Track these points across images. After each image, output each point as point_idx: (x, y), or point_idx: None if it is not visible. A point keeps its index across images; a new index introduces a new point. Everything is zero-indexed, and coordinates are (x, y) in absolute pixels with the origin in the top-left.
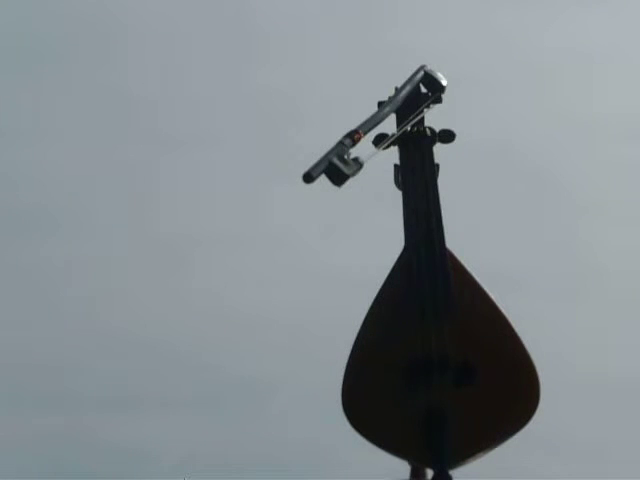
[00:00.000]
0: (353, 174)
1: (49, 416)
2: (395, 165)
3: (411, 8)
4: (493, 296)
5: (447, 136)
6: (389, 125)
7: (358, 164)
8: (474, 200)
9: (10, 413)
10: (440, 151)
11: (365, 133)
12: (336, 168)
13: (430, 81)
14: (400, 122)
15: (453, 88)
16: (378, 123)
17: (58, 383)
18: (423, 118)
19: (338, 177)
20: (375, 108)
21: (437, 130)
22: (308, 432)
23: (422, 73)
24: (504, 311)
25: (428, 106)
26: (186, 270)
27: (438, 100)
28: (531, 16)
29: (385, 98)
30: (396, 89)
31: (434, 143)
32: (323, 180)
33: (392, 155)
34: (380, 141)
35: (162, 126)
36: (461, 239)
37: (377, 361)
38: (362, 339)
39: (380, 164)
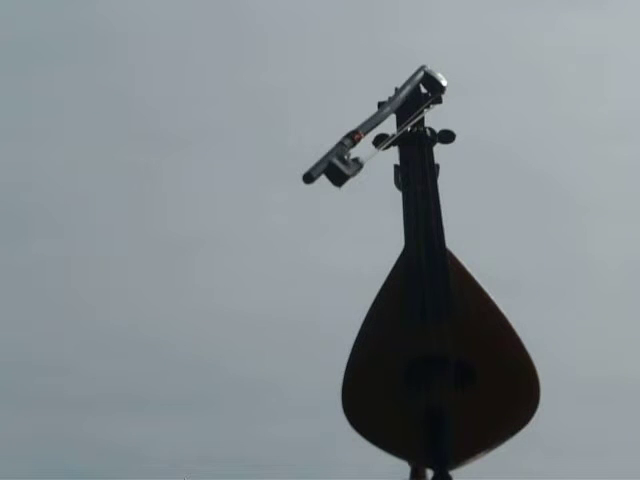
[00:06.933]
0: (353, 174)
1: (49, 416)
2: (395, 165)
3: (411, 8)
4: (493, 296)
5: (447, 136)
6: (389, 125)
7: (358, 164)
8: (474, 200)
9: (9, 413)
10: (440, 151)
11: (365, 133)
12: (336, 168)
13: (430, 81)
14: (400, 122)
15: (453, 88)
16: (378, 123)
17: (58, 383)
18: (423, 118)
19: (338, 177)
20: (375, 108)
21: (437, 130)
22: (308, 432)
23: (422, 73)
24: (504, 311)
25: (428, 106)
26: (186, 270)
27: (438, 100)
28: (531, 16)
29: (385, 98)
30: (396, 89)
31: (434, 143)
32: (323, 180)
33: (392, 155)
34: (380, 141)
35: (162, 126)
36: (461, 239)
37: (377, 361)
38: (362, 339)
39: (380, 164)
